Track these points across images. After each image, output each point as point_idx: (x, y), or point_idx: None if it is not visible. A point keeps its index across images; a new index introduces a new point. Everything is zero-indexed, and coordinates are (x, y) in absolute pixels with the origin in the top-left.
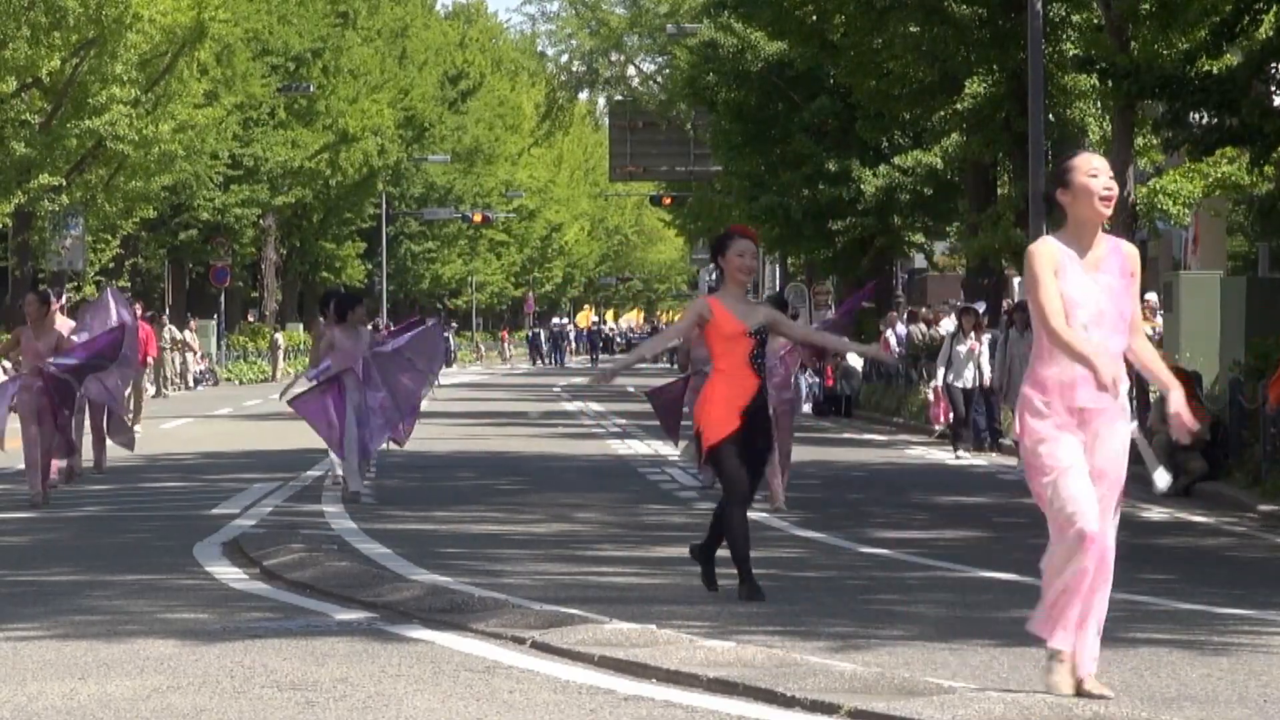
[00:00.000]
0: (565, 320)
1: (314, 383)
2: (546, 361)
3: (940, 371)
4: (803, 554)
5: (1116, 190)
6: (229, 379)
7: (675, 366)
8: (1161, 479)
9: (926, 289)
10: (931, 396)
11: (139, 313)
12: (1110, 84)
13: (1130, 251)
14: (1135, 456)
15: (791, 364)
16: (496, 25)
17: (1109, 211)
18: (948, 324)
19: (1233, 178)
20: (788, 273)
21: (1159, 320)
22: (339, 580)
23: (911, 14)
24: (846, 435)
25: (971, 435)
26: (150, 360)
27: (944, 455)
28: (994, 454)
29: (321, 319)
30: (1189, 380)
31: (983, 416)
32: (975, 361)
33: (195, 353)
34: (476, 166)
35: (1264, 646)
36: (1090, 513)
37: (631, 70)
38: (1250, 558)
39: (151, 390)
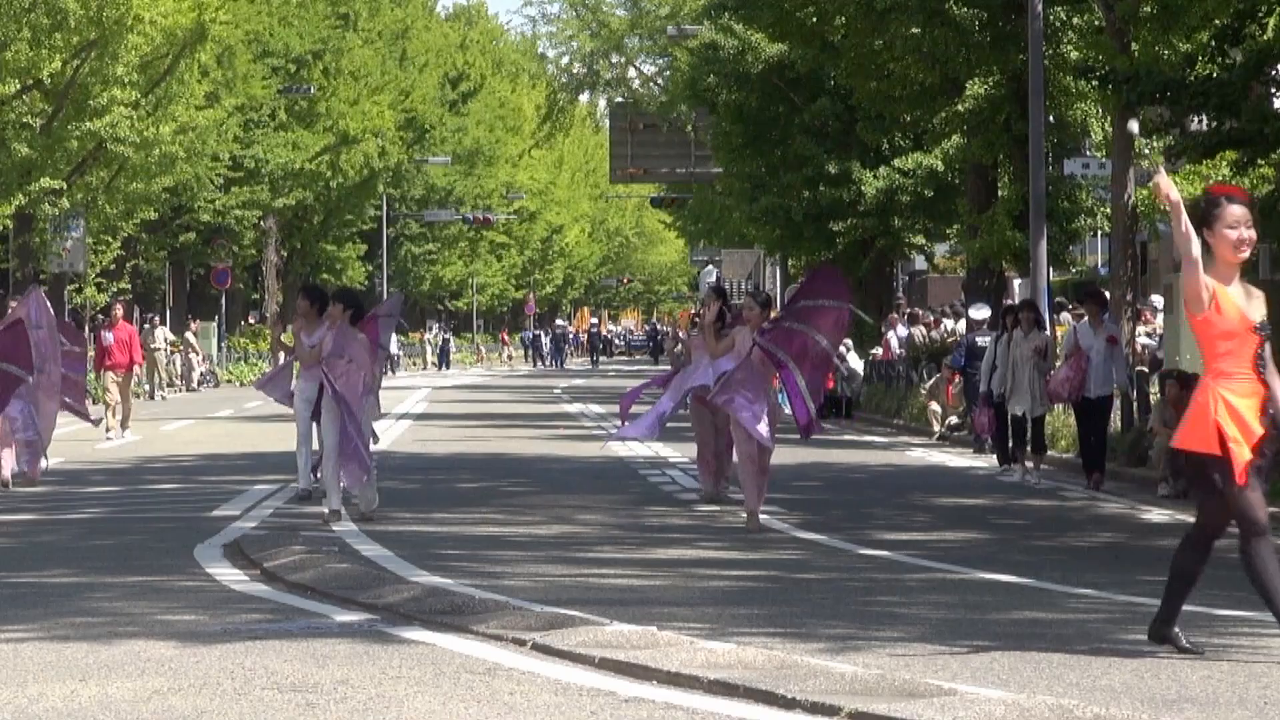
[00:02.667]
0: (567, 322)
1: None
2: (548, 363)
3: (985, 379)
4: (803, 556)
5: None
6: (230, 380)
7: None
8: None
9: (927, 290)
10: (941, 404)
11: (121, 315)
12: (1110, 89)
13: None
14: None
15: (760, 382)
16: (497, 27)
17: None
18: (949, 325)
19: (1233, 180)
20: (788, 274)
21: (1159, 322)
22: (339, 582)
23: (912, 16)
24: (847, 437)
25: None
26: (138, 365)
27: (945, 457)
28: (994, 456)
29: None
30: (1189, 382)
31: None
32: None
33: (198, 354)
34: (477, 168)
35: (1264, 648)
36: None
37: (632, 72)
38: None
39: (145, 389)
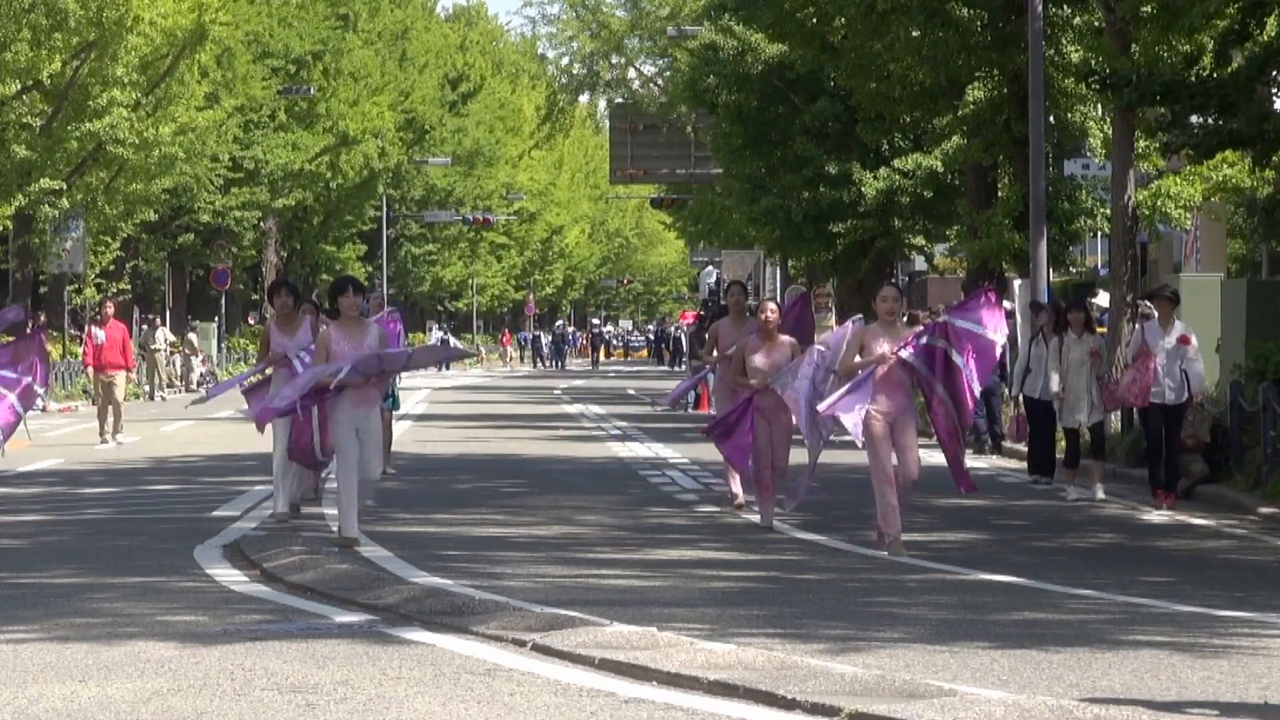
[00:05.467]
0: (566, 323)
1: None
2: (548, 364)
3: (1018, 382)
4: (803, 556)
5: None
6: None
7: (680, 366)
8: None
9: (927, 291)
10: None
11: (112, 313)
12: (1111, 93)
13: None
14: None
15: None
16: (497, 28)
17: None
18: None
19: (1234, 181)
20: (788, 275)
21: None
22: (339, 583)
23: (913, 17)
24: (847, 437)
25: (988, 441)
26: (129, 369)
27: (943, 458)
28: (994, 457)
29: (322, 314)
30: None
31: (983, 419)
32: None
33: (198, 355)
34: (477, 169)
35: (1264, 649)
36: None
37: (632, 73)
38: (1251, 560)
39: (144, 390)
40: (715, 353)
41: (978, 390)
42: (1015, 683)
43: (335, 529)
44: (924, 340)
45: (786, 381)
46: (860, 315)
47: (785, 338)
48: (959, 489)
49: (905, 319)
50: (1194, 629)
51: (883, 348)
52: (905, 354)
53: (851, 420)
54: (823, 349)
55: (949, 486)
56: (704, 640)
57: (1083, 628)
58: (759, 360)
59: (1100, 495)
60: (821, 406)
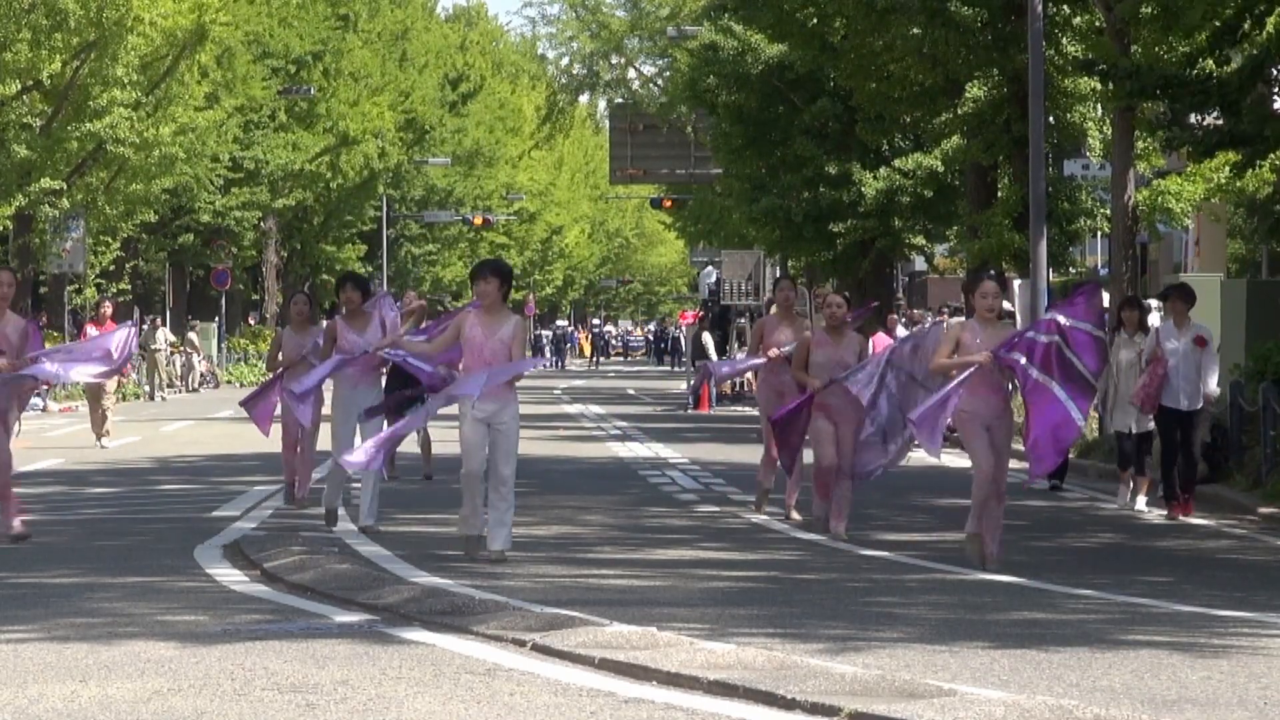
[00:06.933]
0: (567, 323)
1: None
2: (548, 364)
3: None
4: (803, 556)
5: None
6: (230, 381)
7: (690, 369)
8: None
9: (927, 291)
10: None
11: (110, 314)
12: (1111, 85)
13: None
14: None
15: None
16: (497, 28)
17: None
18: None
19: (1235, 181)
20: (788, 275)
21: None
22: (339, 582)
23: (913, 17)
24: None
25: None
26: (122, 374)
27: (945, 457)
28: None
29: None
30: None
31: None
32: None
33: (199, 354)
34: (477, 169)
35: (1264, 649)
36: None
37: (632, 73)
38: (1250, 560)
39: (145, 390)
40: (761, 350)
41: (1095, 381)
42: (1015, 683)
43: (334, 530)
44: (1030, 335)
45: (858, 380)
46: (960, 315)
47: (853, 333)
48: (1033, 473)
49: (904, 319)
50: (1194, 629)
51: (980, 346)
52: (1014, 355)
53: (934, 442)
54: (898, 346)
55: (949, 486)
56: (704, 640)
57: (1083, 628)
58: (822, 356)
59: (1140, 505)
60: (912, 415)
